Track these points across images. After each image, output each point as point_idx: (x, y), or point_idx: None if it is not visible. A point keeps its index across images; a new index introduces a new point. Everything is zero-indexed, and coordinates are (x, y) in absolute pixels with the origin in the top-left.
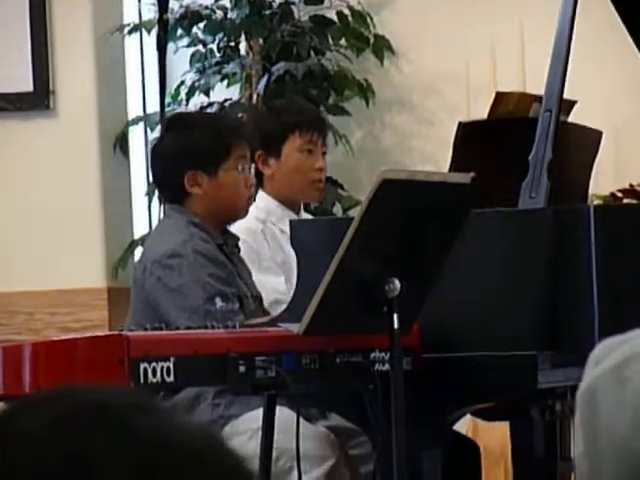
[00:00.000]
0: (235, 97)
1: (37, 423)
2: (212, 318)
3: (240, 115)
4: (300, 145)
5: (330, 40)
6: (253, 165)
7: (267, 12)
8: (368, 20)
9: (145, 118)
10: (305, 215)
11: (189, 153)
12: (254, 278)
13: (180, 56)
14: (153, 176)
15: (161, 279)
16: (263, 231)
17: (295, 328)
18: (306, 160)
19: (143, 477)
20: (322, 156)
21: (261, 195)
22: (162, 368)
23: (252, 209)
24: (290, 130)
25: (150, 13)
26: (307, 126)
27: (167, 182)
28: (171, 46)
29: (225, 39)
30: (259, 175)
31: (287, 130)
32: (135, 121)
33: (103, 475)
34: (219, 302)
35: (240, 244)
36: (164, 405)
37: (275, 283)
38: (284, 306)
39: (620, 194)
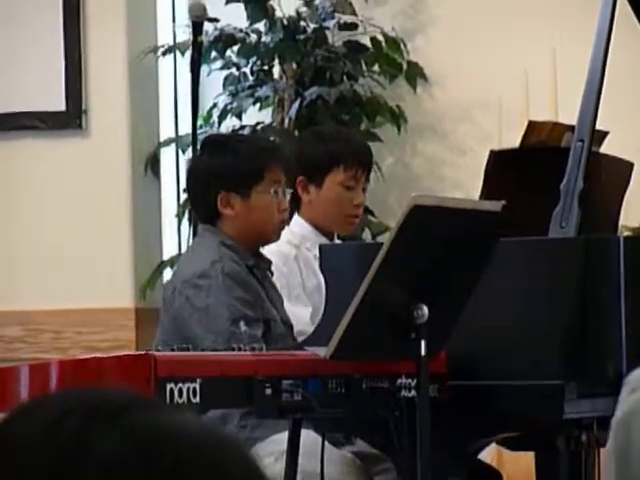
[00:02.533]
0: (267, 121)
1: (32, 427)
2: (236, 340)
3: (272, 138)
4: (343, 180)
5: (363, 66)
6: (291, 189)
7: (301, 37)
8: (402, 47)
9: (177, 140)
10: (337, 242)
11: (222, 174)
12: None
13: (213, 79)
14: (187, 195)
15: (189, 299)
16: (296, 257)
17: (322, 352)
18: (346, 194)
19: (144, 472)
20: (362, 192)
21: (297, 220)
22: (188, 389)
23: (286, 233)
24: (335, 162)
25: (184, 35)
26: (353, 161)
27: (200, 202)
28: (204, 68)
29: (259, 63)
30: (297, 199)
31: (332, 161)
32: (167, 142)
33: (101, 473)
34: (243, 326)
35: (272, 268)
36: (163, 403)
37: (301, 314)
38: (303, 337)
39: None
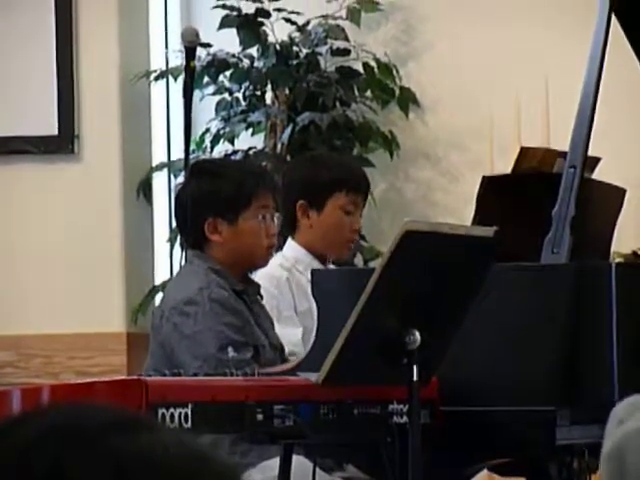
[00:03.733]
0: (259, 146)
1: (8, 445)
2: (224, 367)
3: (264, 163)
4: (344, 204)
5: (356, 91)
6: (286, 212)
7: (294, 62)
8: (394, 72)
9: (169, 165)
10: (330, 266)
11: (210, 200)
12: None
13: (206, 103)
14: (176, 222)
15: (177, 326)
16: (288, 279)
17: (314, 377)
18: (345, 219)
19: None
20: (359, 217)
21: (290, 244)
22: (180, 414)
23: (278, 257)
24: (338, 187)
25: (177, 60)
26: (355, 187)
27: (188, 228)
28: (197, 93)
29: (251, 88)
30: (293, 222)
31: (335, 186)
32: (159, 167)
33: None
34: (231, 352)
35: (262, 292)
36: (153, 422)
37: (291, 335)
38: (294, 357)
39: None
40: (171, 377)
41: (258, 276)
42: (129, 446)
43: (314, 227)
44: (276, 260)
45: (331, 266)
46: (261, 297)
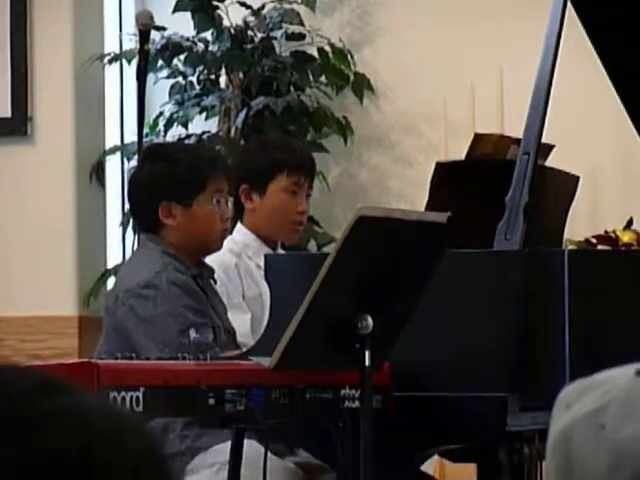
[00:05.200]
0: (213, 130)
1: None
2: (184, 350)
3: (218, 148)
4: (286, 186)
5: (310, 76)
6: (233, 197)
7: (248, 46)
8: (349, 58)
9: (122, 148)
10: (280, 251)
11: (164, 184)
12: None
13: (160, 87)
14: (129, 206)
15: (134, 309)
16: (237, 265)
17: (266, 362)
18: (290, 201)
19: (48, 465)
20: (306, 199)
21: (239, 228)
22: (131, 397)
23: (228, 241)
24: (278, 169)
25: (131, 43)
26: (296, 168)
27: (142, 211)
28: (151, 77)
29: (205, 72)
30: (240, 207)
31: (275, 168)
32: (112, 151)
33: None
34: (193, 333)
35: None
36: (70, 385)
37: (240, 322)
38: (243, 348)
39: (594, 240)
40: (123, 360)
41: (208, 261)
42: (52, 407)
43: (257, 211)
44: (226, 245)
45: (280, 251)
46: (214, 281)
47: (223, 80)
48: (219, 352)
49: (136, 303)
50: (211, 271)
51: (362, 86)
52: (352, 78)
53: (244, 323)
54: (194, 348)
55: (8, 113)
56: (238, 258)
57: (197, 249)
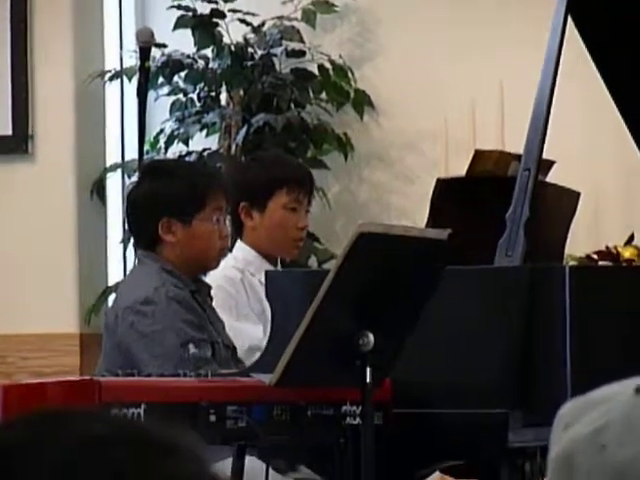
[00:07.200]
0: (214, 147)
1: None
2: (184, 365)
3: (218, 165)
4: (286, 202)
5: (311, 93)
6: (231, 215)
7: (249, 63)
8: (349, 74)
9: (123, 165)
10: (279, 267)
11: (164, 200)
12: (230, 325)
13: (160, 104)
14: (128, 222)
15: (134, 325)
16: (242, 280)
17: (267, 379)
18: (290, 218)
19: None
20: (305, 214)
21: (240, 245)
22: (133, 414)
23: (230, 258)
24: (278, 186)
25: (132, 60)
26: (295, 184)
27: (141, 228)
28: (151, 94)
29: (206, 89)
30: (239, 225)
31: (275, 185)
32: (113, 168)
33: None
34: (192, 348)
35: (217, 292)
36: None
37: (252, 330)
38: (259, 353)
39: (595, 256)
40: (124, 377)
41: (213, 278)
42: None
43: (258, 228)
44: (228, 262)
45: (279, 267)
46: (211, 299)
47: (224, 97)
48: (217, 369)
49: (136, 319)
50: (208, 287)
51: (362, 103)
52: (352, 95)
53: (257, 330)
54: (192, 363)
55: (9, 131)
56: (242, 274)
57: (195, 266)
